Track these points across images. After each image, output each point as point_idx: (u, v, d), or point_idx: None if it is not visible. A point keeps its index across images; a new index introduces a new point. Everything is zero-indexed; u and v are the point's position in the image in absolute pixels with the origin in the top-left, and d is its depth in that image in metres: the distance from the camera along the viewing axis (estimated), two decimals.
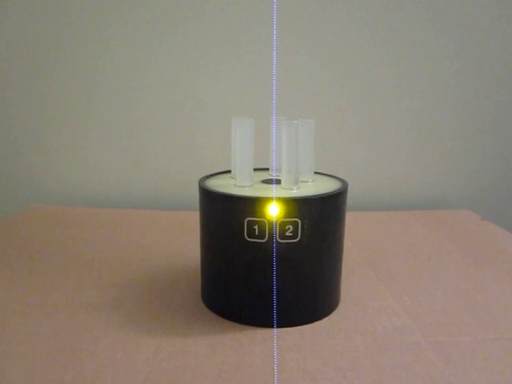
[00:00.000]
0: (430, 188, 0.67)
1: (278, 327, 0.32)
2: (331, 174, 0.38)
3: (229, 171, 0.38)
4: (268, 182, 0.36)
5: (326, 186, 0.34)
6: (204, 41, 0.61)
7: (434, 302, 0.37)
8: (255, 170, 0.35)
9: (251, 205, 0.30)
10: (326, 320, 0.33)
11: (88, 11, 0.61)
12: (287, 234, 0.30)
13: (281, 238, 0.30)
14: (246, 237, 0.31)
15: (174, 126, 0.64)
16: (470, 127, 0.65)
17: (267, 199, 0.30)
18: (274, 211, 0.30)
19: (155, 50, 0.62)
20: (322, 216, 0.32)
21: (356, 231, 0.52)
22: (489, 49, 0.63)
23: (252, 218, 0.30)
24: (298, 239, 0.31)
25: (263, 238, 0.30)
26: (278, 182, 0.34)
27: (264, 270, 0.31)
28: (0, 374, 0.27)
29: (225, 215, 0.32)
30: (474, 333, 0.32)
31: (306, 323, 0.33)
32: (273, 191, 0.32)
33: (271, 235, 0.30)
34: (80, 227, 0.54)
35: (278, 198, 0.30)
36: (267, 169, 0.39)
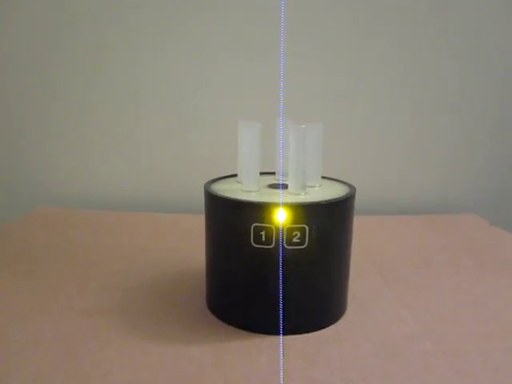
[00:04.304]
0: (436, 192, 0.66)
1: (284, 334, 0.31)
2: (338, 178, 0.38)
3: (235, 175, 0.38)
4: (274, 186, 0.35)
5: (333, 191, 0.34)
6: (210, 42, 0.61)
7: (443, 310, 0.36)
8: (261, 173, 0.35)
9: (258, 210, 0.30)
10: (333, 327, 0.33)
11: (89, 13, 0.60)
12: (294, 240, 0.30)
13: (288, 245, 0.30)
14: (252, 243, 0.30)
15: (179, 129, 0.64)
16: (475, 131, 0.65)
17: (274, 205, 0.29)
18: (281, 217, 0.29)
19: (160, 51, 0.61)
20: (329, 222, 0.31)
21: (362, 236, 0.51)
22: (492, 49, 0.62)
23: (259, 224, 0.30)
24: (305, 246, 0.30)
25: (270, 244, 0.30)
26: (285, 186, 0.34)
27: (271, 277, 0.30)
28: (2, 381, 0.26)
29: (231, 220, 0.31)
30: (484, 341, 0.31)
31: (312, 330, 0.32)
32: (280, 196, 0.32)
33: (278, 241, 0.30)
34: (85, 230, 0.54)
35: (286, 204, 0.29)
36: (273, 173, 0.39)
